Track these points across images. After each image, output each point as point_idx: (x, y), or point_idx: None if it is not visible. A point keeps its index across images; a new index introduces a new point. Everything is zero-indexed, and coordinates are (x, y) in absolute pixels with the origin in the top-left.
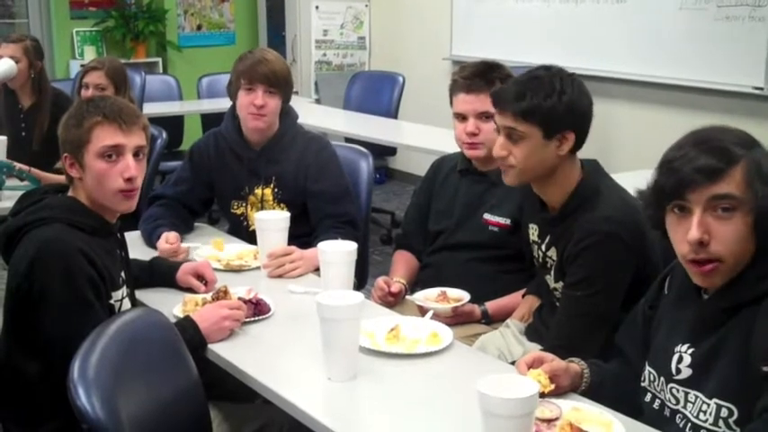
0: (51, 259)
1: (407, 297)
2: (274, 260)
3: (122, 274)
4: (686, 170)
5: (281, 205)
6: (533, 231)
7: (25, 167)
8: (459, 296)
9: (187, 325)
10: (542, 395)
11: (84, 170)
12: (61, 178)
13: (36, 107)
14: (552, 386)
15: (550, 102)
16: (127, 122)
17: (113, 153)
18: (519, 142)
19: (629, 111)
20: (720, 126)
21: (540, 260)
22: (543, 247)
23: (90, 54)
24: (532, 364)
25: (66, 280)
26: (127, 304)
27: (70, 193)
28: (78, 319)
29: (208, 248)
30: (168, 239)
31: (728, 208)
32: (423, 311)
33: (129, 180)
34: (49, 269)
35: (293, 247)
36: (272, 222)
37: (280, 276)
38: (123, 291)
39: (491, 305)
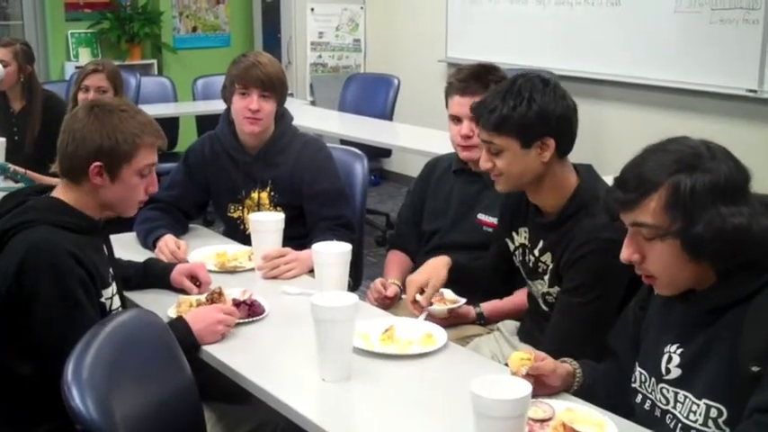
0: (40, 261)
1: (404, 297)
2: (269, 262)
3: (110, 270)
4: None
5: (278, 209)
6: (524, 235)
7: (21, 169)
8: (456, 297)
9: (179, 326)
10: (535, 392)
11: (115, 181)
12: (58, 181)
13: (27, 111)
14: (532, 356)
15: (520, 111)
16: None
17: (149, 170)
18: (499, 155)
19: (623, 113)
20: (674, 139)
21: (531, 265)
22: (536, 252)
23: (85, 56)
24: None
25: (56, 281)
26: (117, 302)
27: (56, 194)
28: (70, 319)
29: (205, 249)
30: (177, 244)
31: (647, 233)
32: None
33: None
34: (38, 271)
35: (288, 249)
36: (267, 224)
37: (274, 278)
38: (113, 288)
39: (486, 306)
